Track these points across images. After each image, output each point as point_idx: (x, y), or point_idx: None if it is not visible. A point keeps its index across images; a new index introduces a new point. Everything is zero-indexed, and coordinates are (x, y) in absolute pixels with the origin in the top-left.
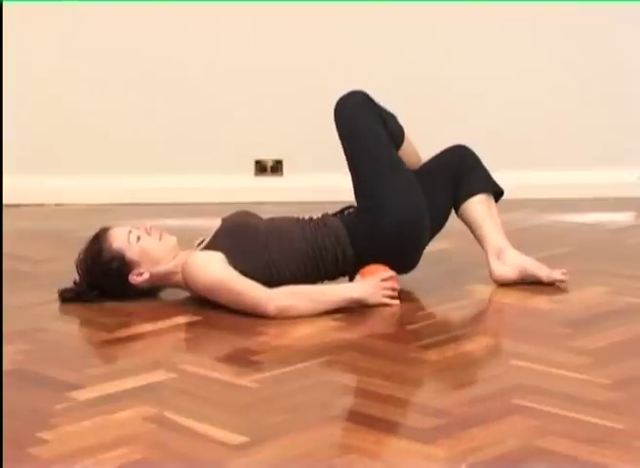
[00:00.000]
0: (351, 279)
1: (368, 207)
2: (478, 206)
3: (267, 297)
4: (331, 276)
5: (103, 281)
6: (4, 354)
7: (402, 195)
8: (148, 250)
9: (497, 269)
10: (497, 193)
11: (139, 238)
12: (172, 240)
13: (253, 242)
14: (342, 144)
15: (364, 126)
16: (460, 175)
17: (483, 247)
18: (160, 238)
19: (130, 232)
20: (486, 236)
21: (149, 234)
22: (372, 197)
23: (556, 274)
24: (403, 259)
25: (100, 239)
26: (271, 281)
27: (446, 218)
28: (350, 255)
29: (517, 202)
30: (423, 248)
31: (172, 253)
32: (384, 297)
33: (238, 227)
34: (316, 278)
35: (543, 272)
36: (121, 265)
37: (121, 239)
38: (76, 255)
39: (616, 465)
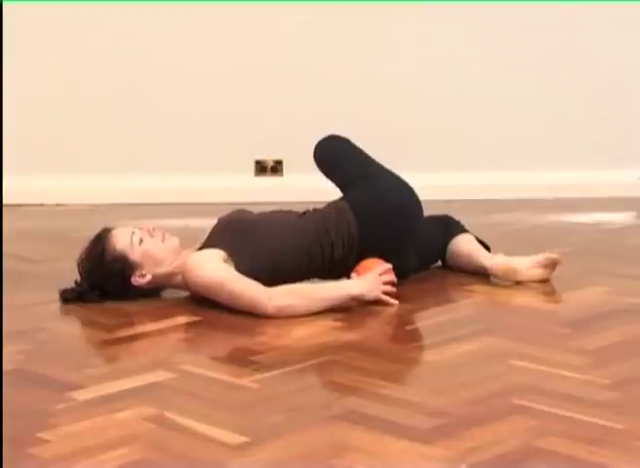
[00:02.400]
0: (348, 277)
1: (365, 185)
2: (467, 242)
3: (266, 297)
4: (335, 261)
5: (105, 282)
6: (4, 354)
7: (395, 175)
8: (151, 251)
9: (492, 263)
10: (482, 243)
11: (141, 240)
12: (174, 241)
13: (251, 235)
14: (330, 174)
15: (345, 150)
16: (448, 227)
17: (475, 263)
18: (163, 239)
19: (133, 233)
20: (476, 253)
21: (152, 235)
22: (367, 176)
23: (552, 255)
24: (400, 238)
25: (102, 240)
26: (274, 274)
27: (435, 258)
28: (354, 232)
29: (517, 202)
30: (415, 237)
31: (174, 254)
32: (383, 292)
33: (234, 222)
34: (320, 265)
35: (539, 255)
36: (123, 267)
37: (124, 240)
38: (77, 255)
39: (615, 465)
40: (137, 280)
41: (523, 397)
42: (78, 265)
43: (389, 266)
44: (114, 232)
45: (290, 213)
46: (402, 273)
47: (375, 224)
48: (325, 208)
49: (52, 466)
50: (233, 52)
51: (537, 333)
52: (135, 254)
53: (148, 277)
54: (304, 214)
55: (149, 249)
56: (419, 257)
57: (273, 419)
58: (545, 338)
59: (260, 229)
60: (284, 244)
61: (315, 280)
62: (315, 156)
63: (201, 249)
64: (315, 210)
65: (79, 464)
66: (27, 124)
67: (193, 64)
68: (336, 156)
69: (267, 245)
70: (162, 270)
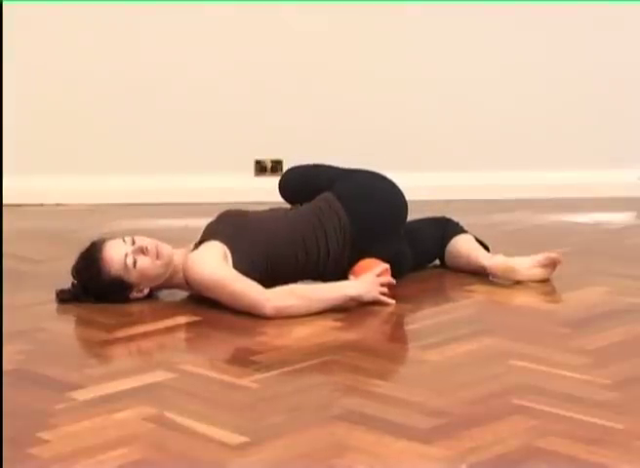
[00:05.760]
0: (345, 278)
1: (345, 180)
2: (466, 242)
3: (265, 298)
4: (329, 255)
5: (103, 296)
6: (4, 354)
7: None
8: (147, 271)
9: (492, 263)
10: (481, 244)
11: (135, 262)
12: (168, 252)
13: (247, 229)
14: (308, 190)
15: (308, 169)
16: (446, 228)
17: (474, 263)
18: (157, 256)
19: (126, 256)
20: (475, 253)
21: (146, 254)
22: (342, 175)
23: (552, 254)
24: (388, 220)
25: (96, 263)
26: (272, 267)
27: (431, 257)
28: (344, 220)
29: (517, 202)
30: (402, 219)
31: (170, 265)
32: (380, 293)
33: (229, 216)
34: (315, 261)
35: (539, 255)
36: (121, 288)
37: (118, 265)
38: (74, 263)
39: (615, 465)
40: (135, 295)
41: (523, 397)
42: (73, 277)
43: (387, 266)
44: (106, 255)
45: (277, 210)
46: (398, 272)
47: (362, 209)
48: (313, 201)
49: (52, 466)
50: (233, 52)
51: (537, 333)
52: (131, 277)
53: (146, 291)
54: (291, 208)
55: (145, 269)
56: (414, 257)
57: (273, 419)
58: (545, 338)
59: (253, 224)
60: (279, 237)
61: (312, 281)
62: (285, 187)
63: (199, 243)
64: (301, 204)
65: (79, 464)
66: (27, 124)
67: (193, 64)
68: (304, 176)
69: (264, 238)
70: (159, 281)
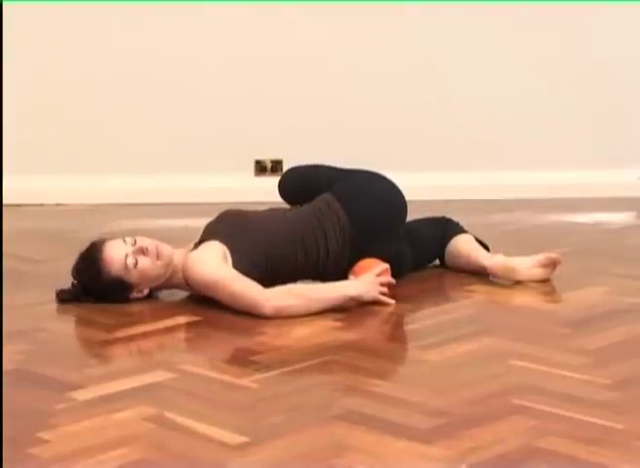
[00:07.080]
0: (345, 278)
1: (345, 180)
2: (466, 242)
3: (264, 298)
4: (329, 255)
5: (103, 297)
6: (4, 354)
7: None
8: (147, 272)
9: (492, 263)
10: (481, 243)
11: (136, 262)
12: (168, 252)
13: (246, 229)
14: (308, 190)
15: (308, 170)
16: (447, 228)
17: (475, 263)
18: (157, 256)
19: (127, 256)
20: (475, 253)
21: (146, 254)
22: (341, 176)
23: (552, 254)
24: (388, 220)
25: (96, 263)
26: (272, 267)
27: (431, 257)
28: (343, 220)
29: (517, 202)
30: (403, 225)
31: (170, 265)
32: (380, 293)
33: (229, 216)
34: (315, 261)
35: (539, 255)
36: (121, 288)
37: (118, 265)
38: (74, 263)
39: (615, 465)
40: (135, 295)
41: (523, 397)
42: (74, 278)
43: (387, 266)
44: (107, 255)
45: (277, 210)
46: (398, 272)
47: (361, 209)
48: (312, 202)
49: (52, 466)
50: (233, 52)
51: (537, 333)
52: (131, 278)
53: (146, 291)
54: (291, 209)
55: (145, 269)
56: (414, 257)
57: (273, 419)
58: (545, 338)
59: (253, 224)
60: (279, 237)
61: (312, 281)
62: (285, 187)
63: (199, 243)
64: (301, 204)
65: (79, 464)
66: (27, 124)
67: (193, 64)
68: (304, 177)
69: (264, 238)
70: (159, 282)
